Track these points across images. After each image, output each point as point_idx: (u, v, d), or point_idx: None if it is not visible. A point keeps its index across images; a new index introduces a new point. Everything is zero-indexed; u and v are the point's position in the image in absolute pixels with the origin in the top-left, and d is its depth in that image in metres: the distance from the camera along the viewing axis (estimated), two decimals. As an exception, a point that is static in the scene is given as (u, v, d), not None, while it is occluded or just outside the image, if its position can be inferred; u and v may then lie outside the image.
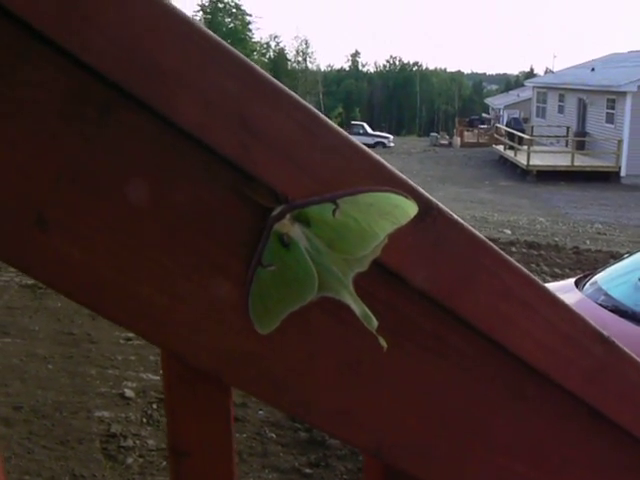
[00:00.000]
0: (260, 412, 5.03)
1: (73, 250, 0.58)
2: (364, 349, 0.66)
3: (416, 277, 0.64)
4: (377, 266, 0.62)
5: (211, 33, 0.56)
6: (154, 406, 5.10)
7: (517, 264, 0.68)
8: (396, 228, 0.61)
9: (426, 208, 0.63)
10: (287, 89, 0.58)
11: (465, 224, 0.65)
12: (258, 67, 0.57)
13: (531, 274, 0.69)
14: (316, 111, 0.59)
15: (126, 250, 0.58)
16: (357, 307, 0.61)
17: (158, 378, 5.38)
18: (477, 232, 0.66)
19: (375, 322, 0.61)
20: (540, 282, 0.69)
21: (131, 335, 5.85)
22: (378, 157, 0.62)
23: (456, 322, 0.67)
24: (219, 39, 0.55)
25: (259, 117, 0.57)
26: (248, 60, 0.56)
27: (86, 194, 0.57)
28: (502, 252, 0.67)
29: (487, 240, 0.66)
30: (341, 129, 0.61)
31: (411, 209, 0.61)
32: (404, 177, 0.62)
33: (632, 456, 0.80)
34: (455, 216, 0.64)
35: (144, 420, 4.93)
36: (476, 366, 0.71)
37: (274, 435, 4.80)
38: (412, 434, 0.71)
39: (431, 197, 0.63)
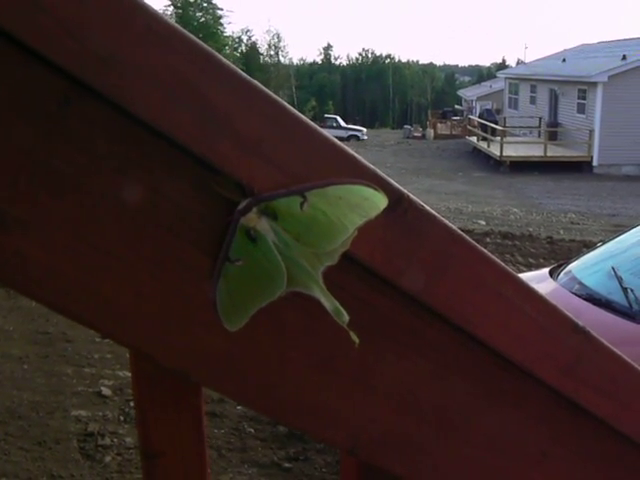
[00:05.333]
0: (238, 407, 5.01)
1: (33, 249, 0.56)
2: (336, 345, 0.64)
3: (387, 270, 0.63)
4: (347, 259, 0.61)
5: (173, 23, 0.54)
6: (131, 404, 5.06)
7: (491, 255, 0.67)
8: (366, 221, 0.60)
9: (397, 199, 0.62)
10: (253, 80, 0.57)
11: (437, 215, 0.64)
12: (222, 57, 0.56)
13: (505, 265, 0.68)
14: (283, 102, 0.58)
15: (88, 248, 0.56)
16: (327, 301, 0.60)
17: (134, 376, 5.33)
18: (449, 223, 0.64)
19: (346, 316, 0.60)
20: (514, 273, 0.68)
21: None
22: (347, 149, 0.60)
23: (430, 315, 0.66)
24: (177, 26, 0.53)
25: (224, 108, 0.55)
26: (211, 49, 0.55)
27: (45, 191, 0.55)
28: (475, 243, 0.66)
29: (460, 231, 0.65)
30: (309, 120, 0.59)
31: (381, 202, 0.60)
32: (374, 168, 0.61)
33: (611, 448, 0.80)
34: (427, 207, 0.63)
35: (121, 418, 4.90)
36: (452, 360, 0.70)
37: (252, 430, 4.79)
38: (388, 430, 0.69)
39: (402, 188, 0.62)
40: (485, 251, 0.67)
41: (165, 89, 0.54)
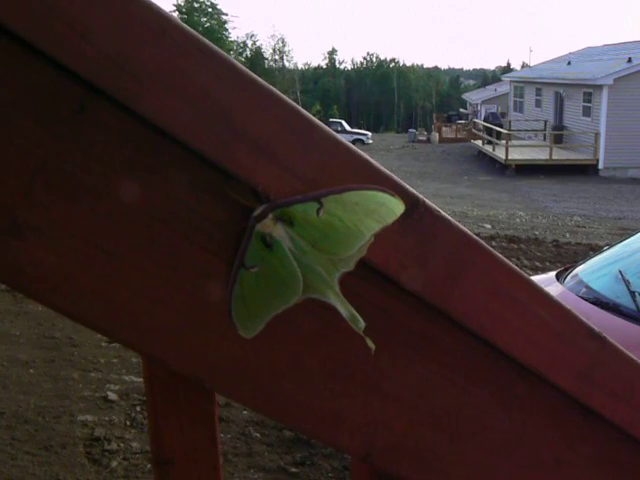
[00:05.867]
0: (244, 412, 5.00)
1: (48, 256, 0.55)
2: (351, 351, 0.64)
3: (403, 276, 0.63)
4: (363, 266, 0.61)
5: (189, 28, 0.54)
6: (137, 409, 5.06)
7: (506, 260, 0.67)
8: (382, 227, 0.59)
9: (413, 204, 0.61)
10: (268, 85, 0.57)
11: (452, 220, 0.63)
12: (240, 64, 0.55)
13: (521, 270, 0.67)
14: (299, 107, 0.58)
15: (103, 254, 0.56)
16: (343, 308, 0.60)
17: (141, 380, 5.33)
18: (465, 228, 0.64)
19: (362, 323, 0.59)
20: (530, 278, 0.68)
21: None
22: (362, 153, 0.60)
23: (445, 321, 0.66)
24: (192, 31, 0.53)
25: (240, 114, 0.55)
26: (230, 57, 0.54)
27: (61, 198, 0.54)
28: (491, 248, 0.65)
29: (475, 236, 0.65)
30: (324, 125, 0.59)
31: (398, 208, 0.60)
32: (390, 173, 0.61)
33: (627, 455, 0.79)
34: (442, 212, 0.63)
35: (128, 423, 4.89)
36: (466, 366, 0.69)
37: (259, 435, 4.77)
38: (402, 437, 0.69)
39: (417, 193, 0.61)
40: (500, 256, 0.66)
41: (180, 94, 0.53)
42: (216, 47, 0.54)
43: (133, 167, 0.55)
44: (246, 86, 0.55)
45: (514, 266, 0.67)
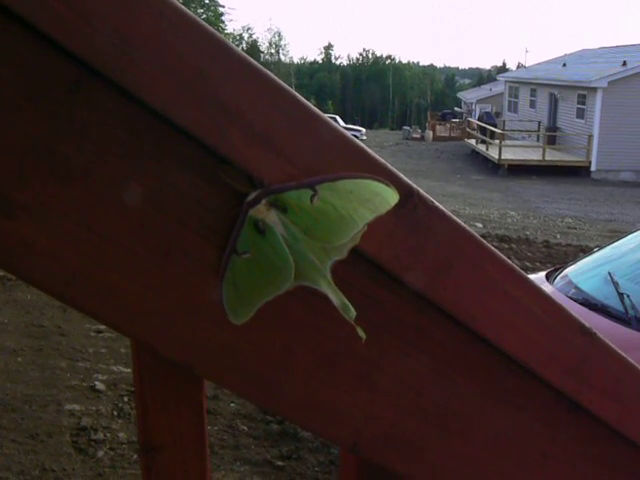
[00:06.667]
0: (232, 404, 5.00)
1: (38, 236, 0.55)
2: (342, 340, 0.64)
3: (395, 266, 0.63)
4: (356, 254, 0.60)
5: (186, 10, 0.53)
6: (125, 399, 5.05)
7: (499, 253, 0.66)
8: (376, 217, 0.59)
9: (407, 194, 0.61)
10: (266, 70, 0.56)
11: (446, 211, 0.63)
12: (237, 48, 0.55)
13: (513, 264, 0.67)
14: (295, 94, 0.57)
15: (94, 236, 0.56)
16: (335, 297, 0.59)
17: (129, 371, 5.32)
18: (459, 220, 0.64)
19: (353, 312, 0.59)
20: (523, 272, 0.68)
21: (102, 327, 5.80)
22: (358, 142, 0.60)
23: (436, 313, 0.66)
24: (190, 14, 0.53)
25: (236, 98, 0.55)
26: (223, 38, 0.54)
27: (52, 178, 0.54)
28: (484, 241, 0.65)
29: (469, 228, 0.65)
30: (321, 112, 0.58)
31: (392, 198, 0.59)
32: (385, 163, 0.60)
33: (614, 451, 0.79)
34: (436, 203, 0.63)
35: (115, 413, 4.88)
36: (456, 358, 0.69)
37: (246, 428, 4.77)
38: (390, 428, 0.69)
39: (412, 184, 0.61)
40: (493, 249, 0.66)
41: (175, 77, 0.53)
42: (212, 29, 0.54)
43: (127, 149, 0.55)
44: (242, 70, 0.55)
45: (507, 259, 0.67)
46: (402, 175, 0.61)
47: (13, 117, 0.52)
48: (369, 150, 0.60)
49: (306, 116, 0.58)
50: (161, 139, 0.55)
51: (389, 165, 0.60)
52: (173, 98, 0.53)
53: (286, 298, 0.60)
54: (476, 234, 0.65)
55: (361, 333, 0.60)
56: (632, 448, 0.79)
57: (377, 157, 0.60)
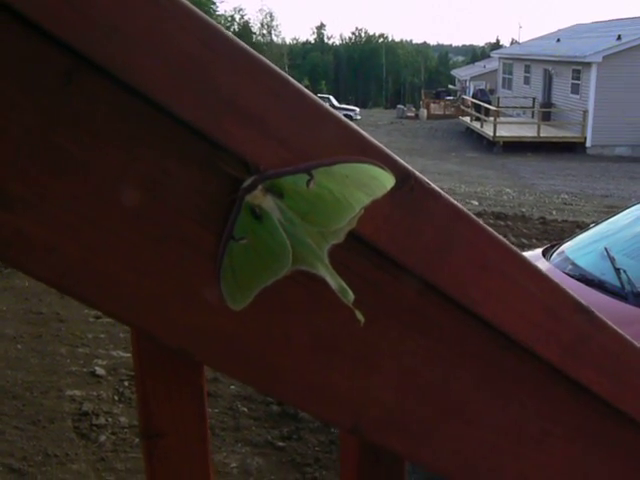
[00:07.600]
0: (232, 387, 5.02)
1: (35, 227, 0.55)
2: (340, 323, 0.64)
3: (393, 248, 0.63)
4: (353, 238, 0.61)
5: (176, -4, 0.53)
6: (125, 384, 5.07)
7: (496, 234, 0.66)
8: (372, 200, 0.59)
9: (403, 177, 0.61)
10: (258, 55, 0.56)
11: (443, 193, 0.63)
12: (229, 33, 0.54)
13: (511, 245, 0.67)
14: (289, 77, 0.57)
15: (90, 226, 0.56)
16: (333, 280, 0.59)
17: (129, 355, 5.34)
18: (455, 201, 0.64)
19: (351, 295, 0.59)
20: (519, 252, 0.68)
21: (100, 313, 5.80)
22: (353, 125, 0.60)
23: (435, 295, 0.66)
24: (185, 1, 0.52)
25: (229, 83, 0.54)
26: (215, 23, 0.54)
27: (47, 169, 0.54)
28: (481, 222, 0.65)
29: (466, 210, 0.65)
30: (315, 97, 0.58)
31: (388, 181, 0.59)
32: (381, 146, 0.60)
33: (613, 427, 0.79)
34: (433, 185, 0.63)
35: (116, 398, 4.90)
36: (455, 339, 0.69)
37: (246, 409, 4.80)
38: (390, 410, 0.69)
39: (409, 166, 0.61)
40: (490, 230, 0.66)
41: (168, 63, 0.53)
42: (204, 14, 0.53)
43: (122, 138, 0.55)
44: (235, 55, 0.55)
45: (504, 240, 0.67)
46: (398, 158, 0.61)
47: (6, 108, 0.52)
48: (365, 133, 0.60)
49: (300, 100, 0.58)
50: (156, 126, 0.55)
51: (385, 148, 0.60)
52: (165, 84, 0.53)
53: (284, 283, 0.60)
54: (473, 215, 0.65)
55: (359, 316, 0.60)
56: (630, 425, 0.79)
57: (373, 140, 0.60)
